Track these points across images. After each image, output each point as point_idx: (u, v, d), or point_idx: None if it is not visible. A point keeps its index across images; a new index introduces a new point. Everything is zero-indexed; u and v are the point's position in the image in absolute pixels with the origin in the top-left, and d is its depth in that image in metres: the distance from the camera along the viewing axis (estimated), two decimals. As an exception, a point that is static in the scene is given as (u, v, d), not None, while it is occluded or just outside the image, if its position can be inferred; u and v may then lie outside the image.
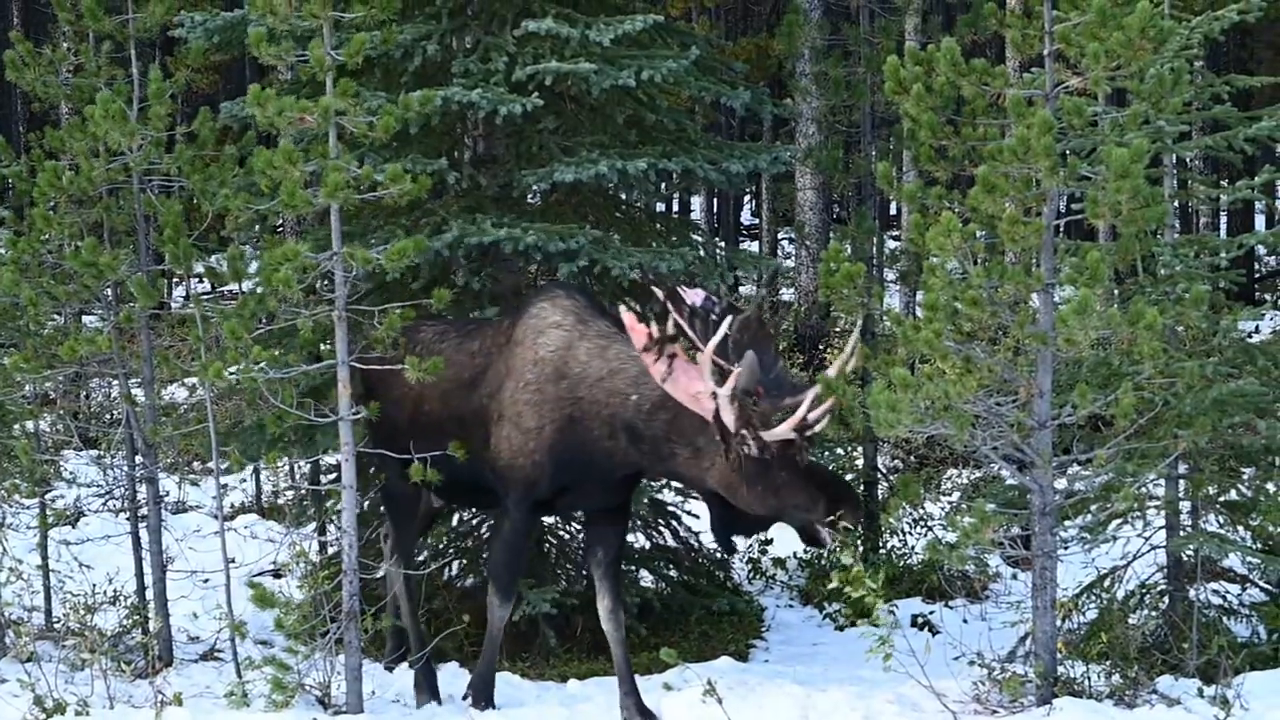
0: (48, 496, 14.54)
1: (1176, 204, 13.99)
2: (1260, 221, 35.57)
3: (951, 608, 14.95)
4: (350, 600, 11.53)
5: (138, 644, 13.00)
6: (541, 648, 13.38)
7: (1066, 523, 12.53)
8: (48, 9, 16.74)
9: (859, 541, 15.00)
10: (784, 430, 10.70)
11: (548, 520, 13.82)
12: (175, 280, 20.37)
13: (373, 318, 11.55)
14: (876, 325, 15.46)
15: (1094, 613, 12.98)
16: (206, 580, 14.90)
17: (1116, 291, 12.98)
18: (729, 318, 11.00)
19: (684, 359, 10.91)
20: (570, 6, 13.42)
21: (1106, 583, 13.12)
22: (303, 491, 15.42)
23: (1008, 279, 10.99)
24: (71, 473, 16.57)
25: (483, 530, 14.25)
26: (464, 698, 12.06)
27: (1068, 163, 11.02)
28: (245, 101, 11.71)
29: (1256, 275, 33.62)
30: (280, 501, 18.69)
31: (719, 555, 15.15)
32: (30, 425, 14.42)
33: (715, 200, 37.84)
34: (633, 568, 14.17)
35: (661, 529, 14.52)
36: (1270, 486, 12.95)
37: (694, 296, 11.25)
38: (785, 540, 16.03)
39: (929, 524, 16.06)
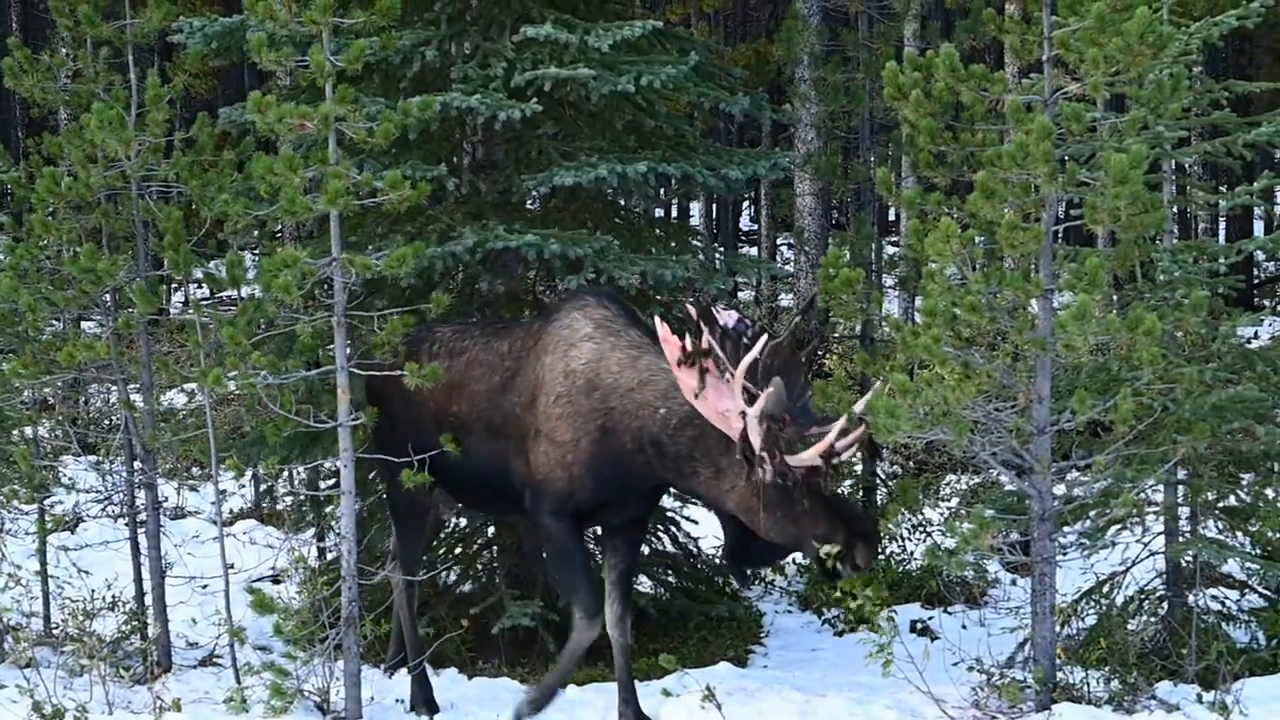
0: (46, 502, 14.54)
1: (1175, 209, 13.99)
2: (1259, 227, 35.57)
3: (950, 613, 14.96)
4: (349, 606, 11.52)
5: (136, 650, 13.00)
6: (540, 653, 13.38)
7: (1065, 528, 12.53)
8: (46, 15, 16.72)
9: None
10: (810, 456, 10.61)
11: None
12: (174, 286, 20.33)
13: (372, 323, 11.55)
14: (875, 331, 15.45)
15: (1093, 618, 12.98)
16: (205, 586, 14.88)
17: (1115, 297, 12.97)
18: (762, 339, 10.91)
19: (716, 375, 10.82)
20: (569, 12, 13.44)
21: (1105, 588, 13.12)
22: (302, 497, 15.41)
23: (1006, 285, 10.99)
24: (70, 478, 16.53)
25: (478, 538, 14.24)
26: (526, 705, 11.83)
27: (1066, 168, 11.02)
28: (244, 107, 11.72)
29: (1255, 281, 33.63)
30: (279, 507, 18.70)
31: (718, 561, 15.16)
32: (29, 431, 14.43)
33: (714, 206, 37.85)
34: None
35: (660, 535, 14.51)
36: (1269, 492, 12.95)
37: (727, 318, 11.15)
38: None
39: (928, 530, 16.06)
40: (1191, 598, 12.79)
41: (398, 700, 12.33)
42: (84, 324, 17.02)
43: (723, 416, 10.74)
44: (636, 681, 11.89)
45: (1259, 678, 11.94)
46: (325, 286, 12.11)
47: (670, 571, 14.58)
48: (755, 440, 10.53)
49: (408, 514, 12.41)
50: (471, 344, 12.00)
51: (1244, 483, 13.08)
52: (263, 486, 18.97)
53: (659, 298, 13.38)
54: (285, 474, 16.88)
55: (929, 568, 14.84)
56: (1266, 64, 31.61)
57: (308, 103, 11.65)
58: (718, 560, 15.23)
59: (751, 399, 10.61)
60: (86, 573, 14.60)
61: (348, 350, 11.49)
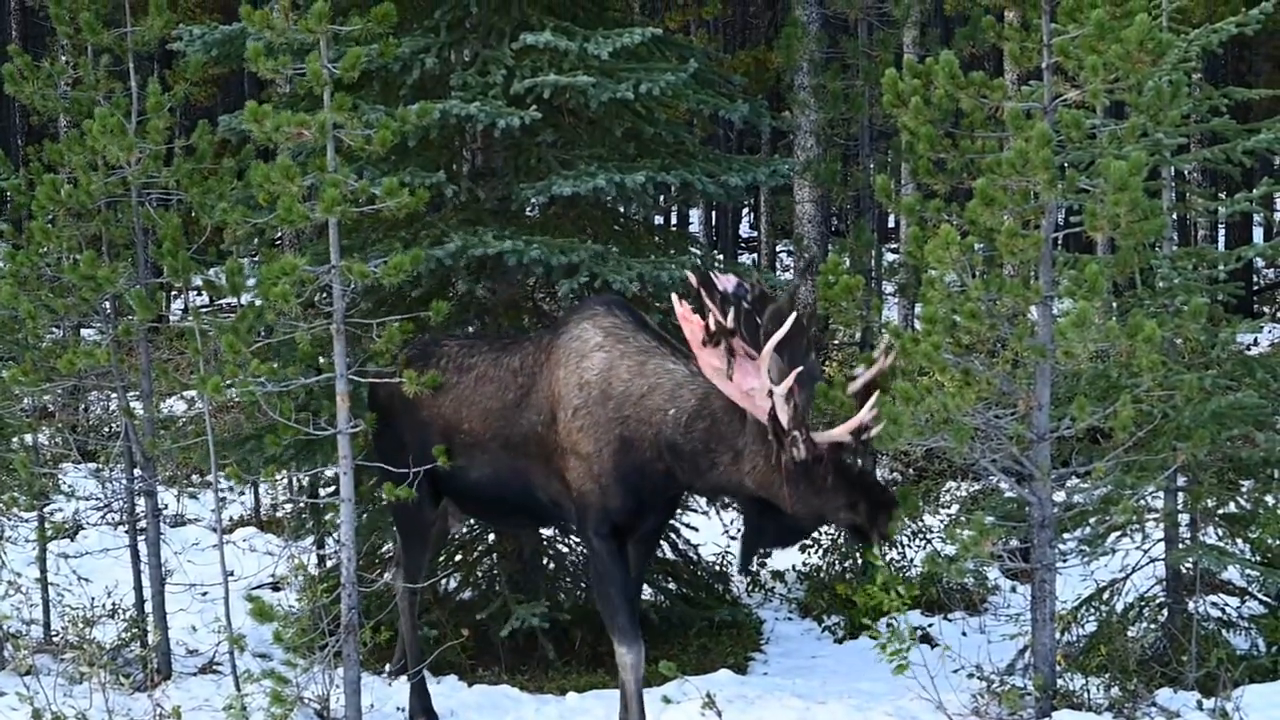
0: (46, 510, 14.53)
1: (1175, 216, 13.99)
2: (1258, 234, 35.59)
3: (950, 620, 14.97)
4: (349, 613, 11.52)
5: (136, 657, 13.01)
6: (540, 661, 13.38)
7: (1065, 535, 12.53)
8: (46, 22, 16.76)
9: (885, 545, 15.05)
10: (840, 433, 10.54)
11: (546, 532, 13.81)
12: (174, 293, 20.39)
13: (371, 330, 11.55)
14: (875, 338, 15.44)
15: (1093, 625, 12.98)
16: (205, 593, 14.89)
17: (1115, 304, 12.98)
18: (792, 315, 10.67)
19: (742, 354, 10.63)
20: (569, 19, 13.46)
21: (1105, 595, 13.12)
22: (301, 504, 15.41)
23: (1006, 292, 11.00)
24: (70, 486, 16.55)
25: (478, 545, 14.24)
26: None
27: (1066, 175, 11.02)
28: (243, 115, 11.72)
29: (1255, 288, 33.63)
30: (279, 514, 18.70)
31: (718, 568, 15.15)
32: (29, 438, 14.43)
33: (714, 213, 37.86)
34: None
35: (660, 542, 14.50)
36: (1269, 499, 12.96)
37: (726, 283, 10.99)
38: (784, 553, 16.06)
39: (928, 537, 16.06)
40: (1191, 604, 12.79)
41: (398, 708, 12.33)
42: (84, 331, 17.03)
43: (748, 396, 10.61)
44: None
45: (1259, 685, 11.95)
46: (324, 294, 12.11)
47: (670, 578, 14.59)
48: (785, 418, 10.42)
49: (411, 526, 12.37)
50: (480, 360, 11.94)
51: (1244, 489, 13.08)
52: (263, 496, 19.00)
53: (658, 304, 13.37)
54: (285, 481, 16.90)
55: (929, 574, 14.82)
56: (1266, 71, 31.62)
57: (307, 110, 11.66)
58: (718, 567, 15.25)
59: (781, 374, 10.48)
60: (86, 580, 14.60)
61: (347, 357, 11.49)
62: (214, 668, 13.46)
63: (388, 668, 13.14)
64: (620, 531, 11.40)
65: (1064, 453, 12.31)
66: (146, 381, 13.12)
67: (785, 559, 16.27)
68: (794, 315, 10.70)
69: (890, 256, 22.93)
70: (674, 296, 10.94)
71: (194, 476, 18.77)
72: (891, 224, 38.28)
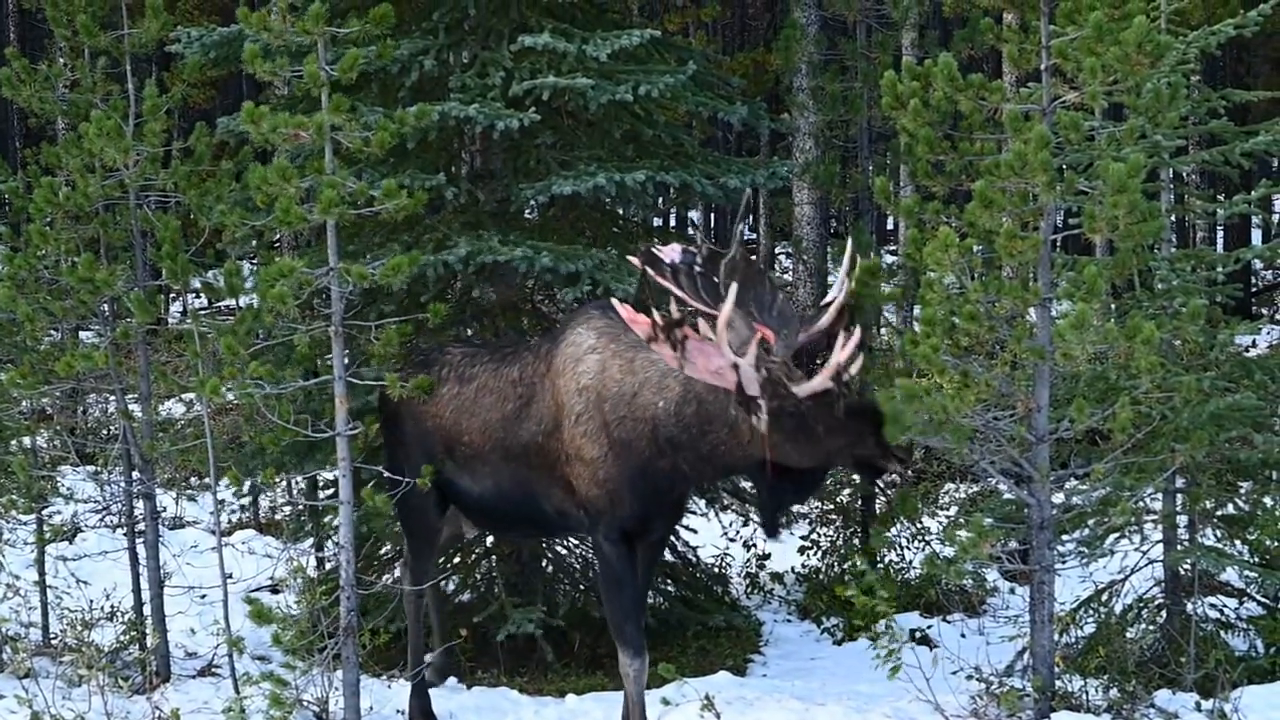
0: (45, 512, 14.52)
1: (1173, 218, 13.99)
2: (1257, 236, 35.60)
3: (949, 622, 14.96)
4: (348, 616, 11.51)
5: (135, 660, 13.00)
6: (539, 663, 13.38)
7: (1064, 537, 12.52)
8: (44, 25, 16.73)
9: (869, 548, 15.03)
10: (820, 382, 10.32)
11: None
12: (172, 296, 20.39)
13: (369, 333, 11.55)
14: (874, 340, 15.44)
15: (1092, 627, 12.98)
16: (204, 596, 14.89)
17: (1113, 306, 12.99)
18: (726, 274, 10.59)
19: (696, 339, 10.48)
20: (567, 21, 13.46)
21: (1104, 597, 13.12)
22: (300, 507, 15.41)
23: (1005, 294, 10.99)
24: (69, 488, 16.51)
25: (476, 547, 14.23)
26: None
27: (1065, 177, 11.02)
28: (241, 117, 11.71)
29: (1253, 289, 33.65)
30: (278, 517, 18.70)
31: (717, 570, 15.15)
32: (27, 441, 14.43)
33: (713, 215, 37.83)
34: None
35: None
36: (1267, 500, 12.96)
37: (671, 254, 10.92)
38: (783, 555, 16.08)
39: (927, 538, 16.06)
40: (1190, 606, 12.79)
41: (397, 711, 12.32)
42: (82, 334, 17.04)
43: (718, 375, 10.50)
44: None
45: (1257, 686, 11.95)
46: (323, 296, 12.10)
47: (669, 580, 14.59)
48: (752, 388, 10.33)
49: (419, 530, 12.32)
50: (480, 370, 11.83)
51: (1242, 491, 13.09)
52: (262, 499, 18.99)
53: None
54: (284, 483, 16.89)
55: (928, 576, 14.83)
56: (1264, 73, 31.65)
57: (304, 112, 11.66)
58: (716, 569, 15.26)
59: (743, 345, 10.36)
60: (85, 583, 14.60)
61: (345, 360, 11.49)
62: (213, 670, 13.47)
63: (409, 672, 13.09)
64: (630, 537, 11.30)
65: (1063, 454, 12.30)
66: (145, 384, 13.12)
67: (784, 561, 16.28)
68: (729, 278, 10.56)
69: (889, 258, 22.94)
70: (613, 301, 10.94)
71: (192, 479, 18.78)
72: (890, 226, 38.28)
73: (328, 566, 14.63)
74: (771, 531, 11.60)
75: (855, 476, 16.29)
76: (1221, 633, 12.86)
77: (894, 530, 15.92)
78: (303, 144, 11.47)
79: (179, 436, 13.52)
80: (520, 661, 13.47)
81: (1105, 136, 11.88)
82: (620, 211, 14.46)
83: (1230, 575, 13.38)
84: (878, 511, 16.29)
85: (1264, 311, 33.93)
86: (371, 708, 12.12)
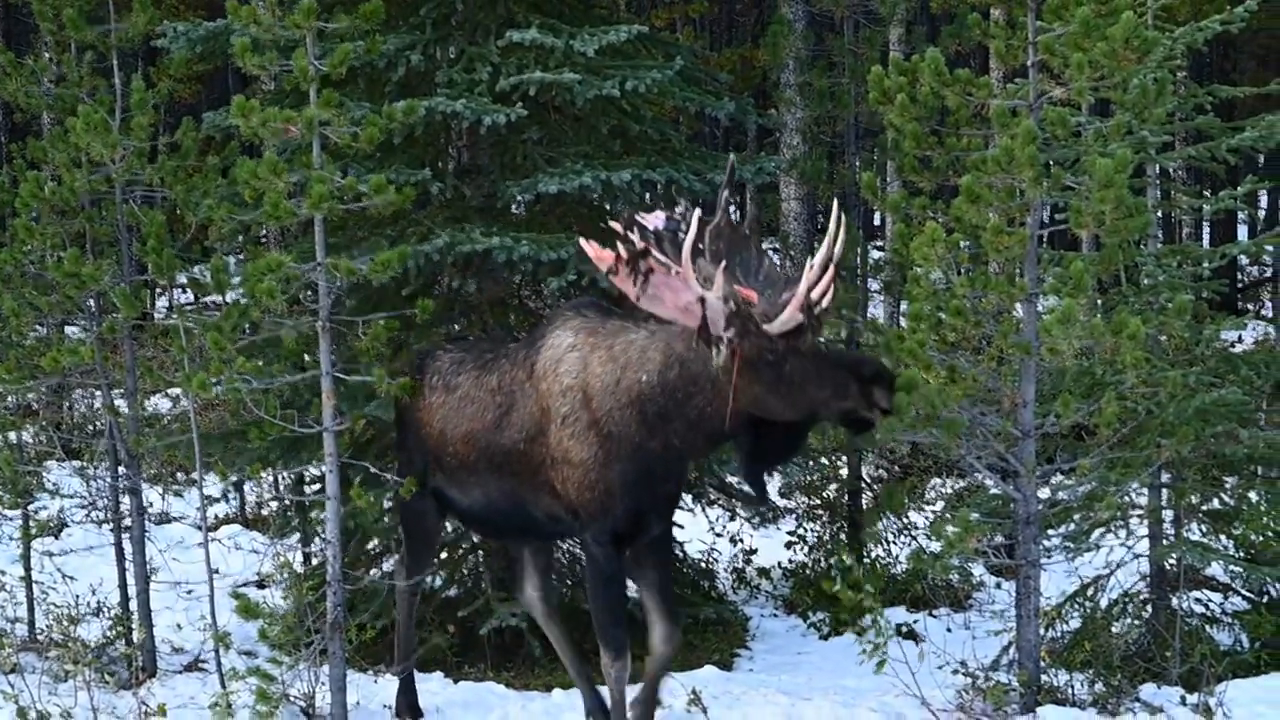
0: (31, 508, 14.50)
1: (1160, 214, 14.02)
2: (1243, 231, 35.68)
3: (935, 617, 15.00)
4: (334, 611, 11.51)
5: (121, 655, 12.98)
6: (526, 657, 13.39)
7: (1050, 532, 12.55)
8: (30, 19, 16.70)
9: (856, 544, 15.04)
10: (789, 315, 9.98)
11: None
12: (158, 291, 20.37)
13: (357, 328, 11.54)
14: (860, 335, 15.47)
15: (1077, 621, 13.01)
16: (190, 591, 14.88)
17: (1100, 301, 13.01)
18: (696, 218, 10.28)
19: (662, 272, 10.21)
20: (555, 17, 13.45)
21: (1090, 591, 13.16)
22: (287, 502, 15.40)
23: (991, 289, 11.01)
24: (54, 484, 16.54)
25: (463, 543, 14.23)
26: None
27: (1051, 173, 11.04)
28: (228, 111, 11.69)
29: (1239, 285, 33.72)
30: (264, 512, 18.69)
31: (703, 565, 15.15)
32: (13, 436, 14.40)
33: (700, 211, 37.80)
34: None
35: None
36: (1252, 495, 13.00)
37: (655, 220, 10.60)
38: (770, 550, 16.10)
39: (913, 533, 16.09)
40: (1175, 600, 12.83)
41: (384, 705, 12.31)
42: (68, 329, 16.99)
43: (685, 311, 10.22)
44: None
45: (1242, 680, 11.97)
46: (310, 291, 12.08)
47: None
48: (719, 323, 10.02)
49: (417, 529, 12.25)
50: (464, 379, 11.66)
51: (1227, 486, 13.13)
52: (249, 494, 18.99)
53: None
54: (270, 478, 16.88)
55: (914, 571, 14.86)
56: (1250, 69, 31.70)
57: (292, 107, 11.63)
58: (703, 564, 15.25)
59: (708, 281, 10.11)
60: (71, 578, 14.58)
61: (332, 355, 11.48)
62: (199, 665, 13.45)
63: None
64: (621, 540, 11.09)
65: (1049, 449, 12.33)
66: (131, 379, 13.11)
67: (770, 556, 16.30)
68: (697, 220, 10.32)
69: (876, 254, 22.94)
70: (580, 241, 10.72)
71: (179, 474, 18.76)
72: (877, 221, 38.28)
73: (314, 562, 14.63)
74: (759, 495, 11.40)
75: (841, 472, 16.35)
76: (1207, 627, 12.90)
77: (880, 525, 15.95)
78: (291, 139, 11.45)
79: (165, 432, 13.50)
80: (506, 656, 13.48)
81: (1092, 132, 11.90)
82: (607, 208, 14.46)
83: (1216, 570, 13.41)
84: (864, 507, 16.32)
85: (1249, 307, 34.00)
86: (358, 703, 12.11)
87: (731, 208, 10.92)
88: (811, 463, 16.04)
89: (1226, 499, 13.07)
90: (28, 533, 14.05)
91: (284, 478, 16.70)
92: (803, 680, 13.10)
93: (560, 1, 13.94)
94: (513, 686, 12.82)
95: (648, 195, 14.21)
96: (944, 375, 10.88)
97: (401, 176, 12.35)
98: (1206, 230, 34.07)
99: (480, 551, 14.12)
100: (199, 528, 13.95)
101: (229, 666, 12.04)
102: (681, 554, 14.85)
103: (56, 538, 16.67)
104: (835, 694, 12.31)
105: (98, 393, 16.13)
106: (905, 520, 16.30)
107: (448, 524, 13.30)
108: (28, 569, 14.12)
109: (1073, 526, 12.74)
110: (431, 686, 12.61)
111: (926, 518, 16.84)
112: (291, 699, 11.68)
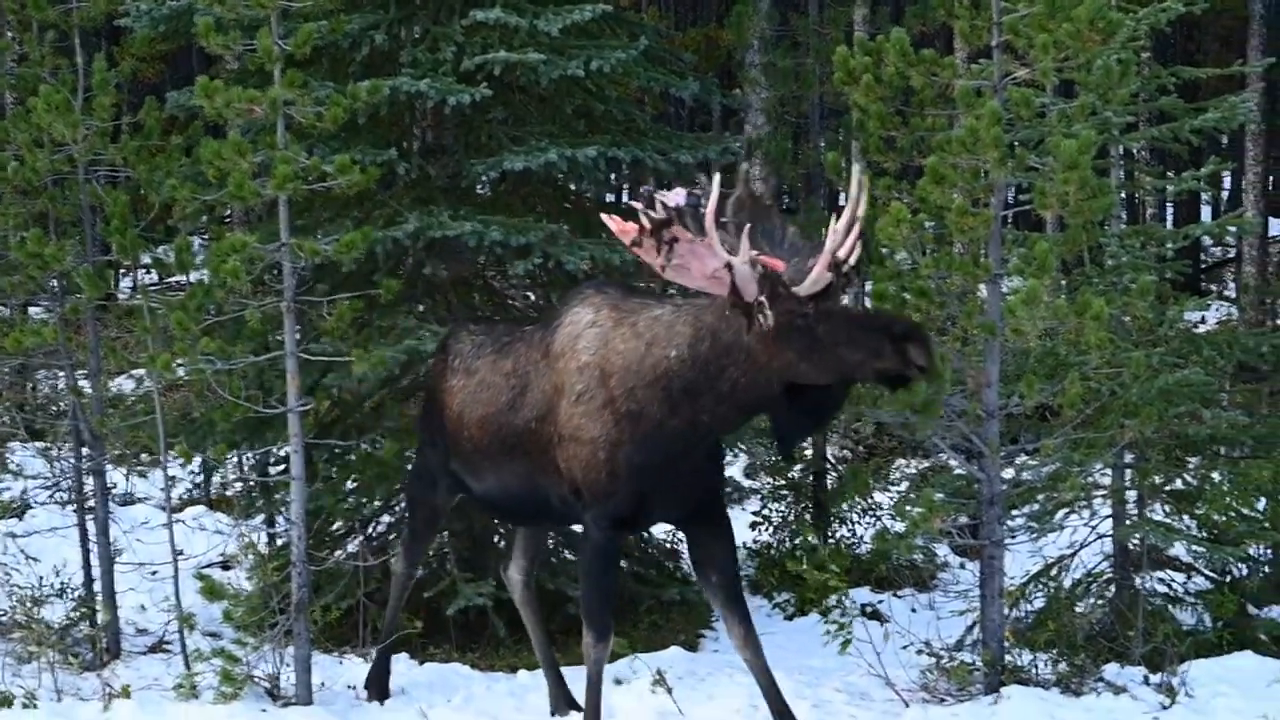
0: (-7, 489, 14.48)
1: (1123, 195, 14.06)
2: (1206, 212, 35.77)
3: (900, 597, 15.02)
4: (299, 592, 11.51)
5: (85, 636, 12.95)
6: (491, 639, 13.39)
7: (1014, 512, 12.58)
8: (-9, -1, 16.64)
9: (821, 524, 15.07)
10: (818, 275, 9.75)
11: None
12: (122, 271, 20.29)
13: (322, 308, 11.52)
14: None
15: (1041, 601, 13.05)
16: (155, 573, 14.84)
17: (1064, 282, 13.04)
18: (717, 187, 9.94)
19: (687, 241, 9.94)
20: (519, -4, 13.43)
21: (1053, 572, 13.19)
22: (251, 483, 15.37)
23: (956, 269, 11.03)
24: (18, 465, 16.50)
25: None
26: None
27: (1016, 154, 11.06)
28: (192, 91, 11.66)
29: (1202, 266, 33.84)
30: (229, 494, 18.65)
31: (669, 545, 15.16)
32: (-24, 417, 14.37)
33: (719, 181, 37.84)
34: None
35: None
36: (1215, 475, 13.05)
37: (676, 198, 10.24)
38: (735, 530, 16.10)
39: (878, 514, 16.11)
40: (1139, 581, 12.87)
41: (349, 686, 12.31)
42: (31, 309, 16.96)
43: (713, 280, 9.97)
44: (579, 669, 11.78)
45: (1205, 659, 12.03)
46: (275, 272, 12.05)
47: (621, 557, 14.57)
48: (748, 290, 9.82)
49: (424, 513, 12.16)
50: (481, 363, 11.48)
51: (1190, 466, 13.18)
52: (213, 475, 18.94)
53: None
54: (235, 459, 16.84)
55: (879, 552, 14.88)
56: (1214, 50, 31.80)
57: (256, 87, 11.60)
58: (668, 545, 15.26)
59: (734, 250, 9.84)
60: (35, 559, 14.51)
61: (297, 335, 11.45)
62: (164, 647, 13.42)
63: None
64: (623, 524, 10.95)
65: (1013, 430, 12.36)
66: (95, 360, 13.07)
67: (736, 536, 16.30)
68: (717, 189, 9.98)
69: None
70: (603, 216, 10.46)
71: (143, 455, 18.70)
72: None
73: (279, 543, 14.60)
74: (789, 455, 11.10)
75: (806, 452, 16.36)
76: (1170, 607, 12.94)
77: (845, 506, 15.97)
78: (255, 119, 11.42)
79: (129, 412, 13.46)
80: (471, 637, 13.47)
81: (1056, 113, 11.93)
82: (572, 187, 14.45)
83: (1179, 550, 13.46)
84: (829, 487, 16.34)
85: (1213, 288, 34.12)
86: (323, 684, 12.10)
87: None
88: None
89: (1189, 479, 13.12)
90: (-9, 514, 14.02)
91: (249, 458, 16.65)
92: (768, 660, 13.11)
93: (525, -20, 13.92)
94: (478, 667, 12.82)
95: (613, 174, 14.22)
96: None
97: (366, 157, 12.31)
98: (1170, 211, 34.16)
99: (446, 532, 14.10)
100: (163, 509, 13.88)
101: (193, 648, 12.03)
102: (646, 534, 14.84)
103: (20, 519, 16.58)
104: (800, 674, 12.33)
105: (61, 373, 16.09)
106: (870, 501, 16.32)
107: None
108: (-9, 550, 14.09)
109: (1036, 507, 12.78)
110: (398, 668, 12.60)
111: (891, 498, 16.87)
112: (256, 680, 11.68)
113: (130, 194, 12.71)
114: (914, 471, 18.58)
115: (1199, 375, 12.26)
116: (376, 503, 14.00)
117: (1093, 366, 11.46)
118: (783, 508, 16.50)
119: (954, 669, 11.63)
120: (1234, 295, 32.06)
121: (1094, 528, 13.10)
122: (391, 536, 14.01)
